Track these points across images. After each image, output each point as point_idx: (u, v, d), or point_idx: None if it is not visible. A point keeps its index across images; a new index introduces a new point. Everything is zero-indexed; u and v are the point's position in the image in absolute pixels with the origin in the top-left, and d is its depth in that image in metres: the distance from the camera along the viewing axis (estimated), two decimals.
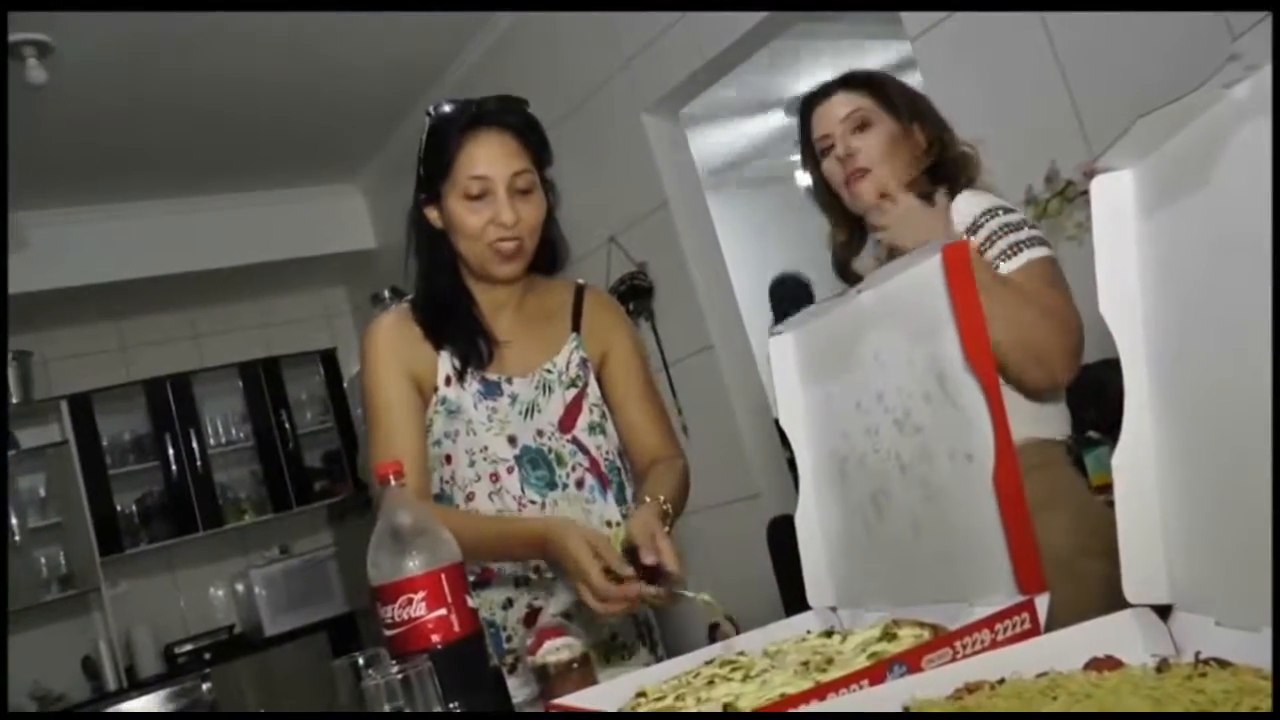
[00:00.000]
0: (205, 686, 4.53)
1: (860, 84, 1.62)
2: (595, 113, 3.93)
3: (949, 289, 0.96)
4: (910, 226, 1.48)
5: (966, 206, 1.52)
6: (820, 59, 4.53)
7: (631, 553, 1.32)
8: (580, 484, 1.55)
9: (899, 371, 1.06)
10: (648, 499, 1.43)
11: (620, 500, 1.58)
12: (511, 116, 1.51)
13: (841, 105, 1.60)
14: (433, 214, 1.53)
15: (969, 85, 2.74)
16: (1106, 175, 0.79)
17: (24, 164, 4.16)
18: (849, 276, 1.68)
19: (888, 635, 0.99)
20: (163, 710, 4.39)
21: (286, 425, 5.63)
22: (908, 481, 1.06)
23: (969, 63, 2.73)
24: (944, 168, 1.59)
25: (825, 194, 1.67)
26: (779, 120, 5.39)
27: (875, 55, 4.65)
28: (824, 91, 1.64)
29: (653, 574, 1.29)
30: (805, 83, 4.79)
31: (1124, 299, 0.79)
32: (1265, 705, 0.55)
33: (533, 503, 1.52)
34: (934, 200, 1.55)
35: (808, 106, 1.66)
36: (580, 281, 1.68)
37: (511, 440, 1.53)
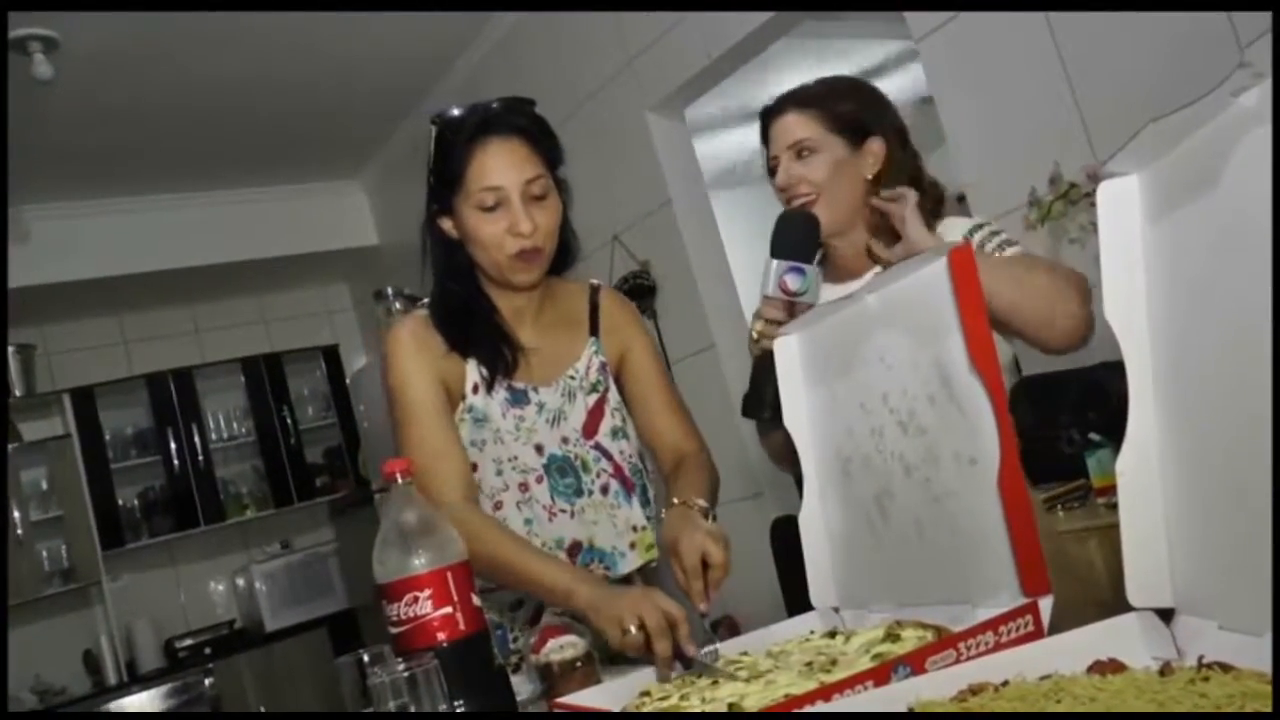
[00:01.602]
0: (207, 682, 4.54)
1: (810, 102, 1.58)
2: (600, 111, 3.93)
3: (954, 292, 0.97)
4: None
5: (951, 230, 1.53)
6: (828, 58, 4.54)
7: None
8: (605, 489, 1.54)
9: (904, 373, 1.06)
10: (676, 501, 1.42)
11: (645, 503, 1.57)
12: (519, 119, 1.47)
13: (789, 129, 1.58)
14: (447, 224, 1.50)
15: (973, 87, 2.75)
16: (1113, 180, 0.80)
17: (28, 158, 4.17)
18: None
19: (891, 636, 0.99)
20: (166, 704, 4.40)
21: (288, 421, 5.63)
22: (912, 483, 1.07)
23: (973, 64, 2.73)
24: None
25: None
26: None
27: (879, 54, 4.66)
28: (778, 107, 1.62)
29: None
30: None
31: (1129, 304, 0.79)
32: (1268, 709, 0.56)
33: (562, 511, 1.50)
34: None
35: (764, 118, 1.64)
36: (594, 282, 1.66)
37: (539, 449, 1.52)
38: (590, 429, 1.55)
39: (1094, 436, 2.26)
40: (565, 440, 1.53)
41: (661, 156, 3.75)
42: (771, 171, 1.62)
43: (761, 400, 1.38)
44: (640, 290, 3.85)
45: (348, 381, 5.71)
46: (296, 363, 5.78)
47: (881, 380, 1.10)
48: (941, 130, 2.85)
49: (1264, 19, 2.06)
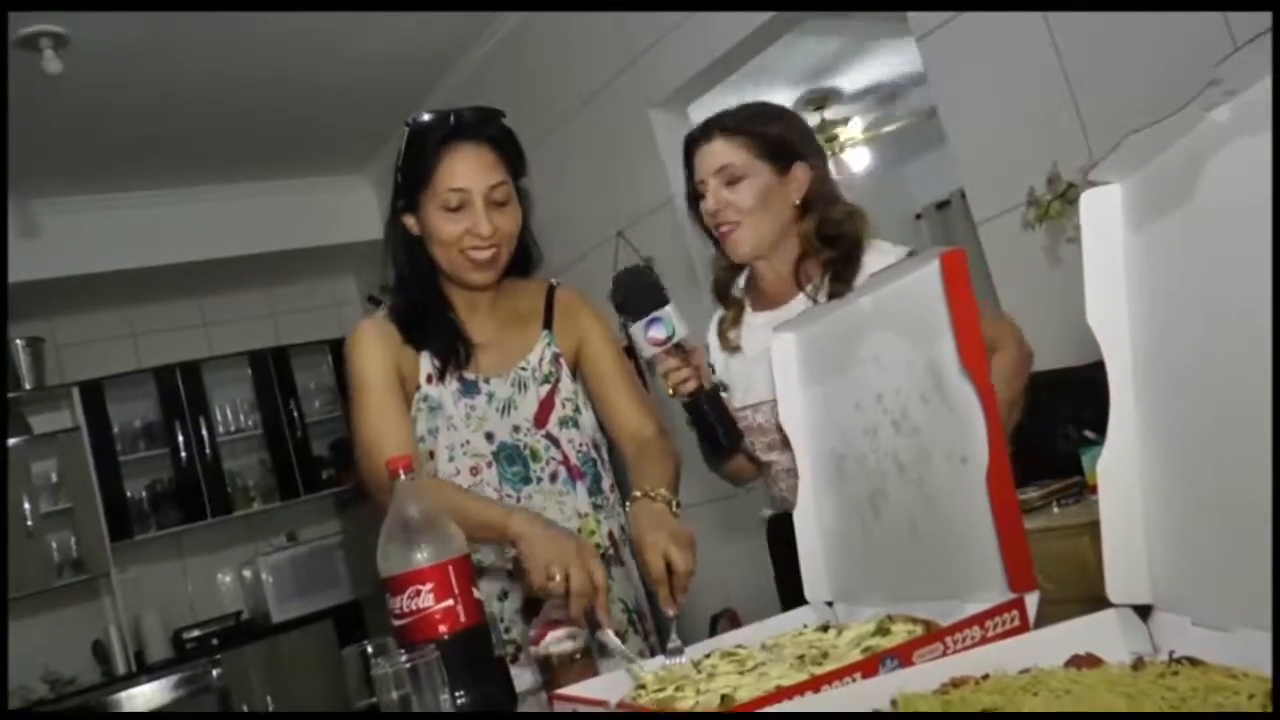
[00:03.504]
0: (215, 672, 4.58)
1: (736, 130, 1.62)
2: (604, 108, 3.95)
3: (946, 295, 0.99)
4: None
5: (883, 257, 1.53)
6: (831, 55, 4.55)
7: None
8: (554, 477, 1.59)
9: (897, 373, 1.09)
10: (639, 493, 1.44)
11: (593, 491, 1.62)
12: (489, 128, 1.55)
13: (715, 155, 1.62)
14: (409, 221, 1.57)
15: (974, 86, 2.76)
16: (1096, 189, 0.82)
17: (38, 152, 4.21)
18: (726, 301, 1.75)
19: (882, 630, 1.02)
20: (174, 694, 4.44)
21: (295, 414, 5.66)
22: (905, 481, 1.09)
23: (974, 63, 2.75)
24: (834, 227, 1.61)
25: (706, 228, 1.71)
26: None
27: (884, 55, 4.67)
28: (703, 134, 1.66)
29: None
30: (817, 74, 4.81)
31: (1111, 309, 0.81)
32: (1230, 703, 0.58)
33: (509, 497, 1.56)
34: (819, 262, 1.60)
35: (689, 145, 1.68)
36: (553, 281, 1.72)
37: (489, 437, 1.58)
38: (542, 418, 1.61)
39: (1089, 434, 2.28)
40: (516, 429, 1.59)
41: (664, 153, 3.76)
42: (698, 197, 1.66)
43: (718, 444, 1.42)
44: None
45: None
46: (303, 356, 5.81)
47: (875, 380, 1.12)
48: (941, 129, 2.86)
49: (1261, 19, 2.07)
